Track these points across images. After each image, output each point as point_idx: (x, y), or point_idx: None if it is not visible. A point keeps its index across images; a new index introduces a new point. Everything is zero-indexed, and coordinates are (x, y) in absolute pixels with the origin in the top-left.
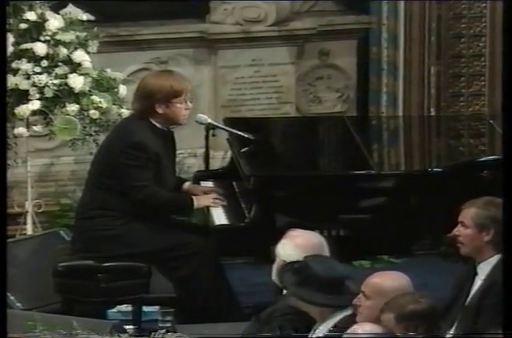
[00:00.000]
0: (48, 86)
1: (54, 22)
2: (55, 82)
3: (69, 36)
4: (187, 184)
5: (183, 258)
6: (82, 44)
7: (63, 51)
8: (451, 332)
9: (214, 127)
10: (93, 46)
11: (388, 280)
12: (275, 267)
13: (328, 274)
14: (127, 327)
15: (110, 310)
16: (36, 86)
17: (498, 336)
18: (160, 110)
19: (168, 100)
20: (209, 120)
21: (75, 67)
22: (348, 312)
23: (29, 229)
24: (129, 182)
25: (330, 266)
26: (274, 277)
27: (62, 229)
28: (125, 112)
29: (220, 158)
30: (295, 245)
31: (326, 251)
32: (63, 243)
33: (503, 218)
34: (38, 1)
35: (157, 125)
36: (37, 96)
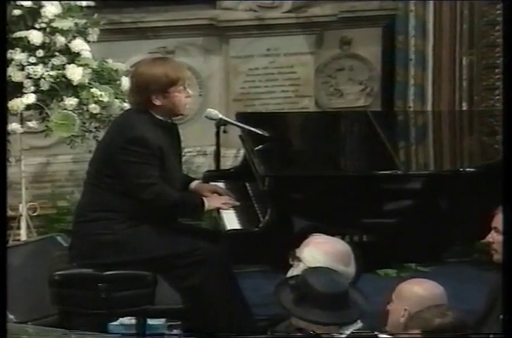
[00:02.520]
0: (44, 78)
1: (51, 8)
2: (52, 73)
3: (67, 24)
4: (195, 183)
5: (192, 265)
6: (81, 32)
7: (60, 39)
8: None
9: (226, 123)
10: (94, 34)
11: (411, 285)
12: (294, 273)
13: (328, 289)
14: None
15: (111, 323)
16: (30, 78)
17: (498, 336)
18: (157, 102)
19: (164, 90)
20: (220, 115)
21: (73, 57)
22: (357, 326)
23: (23, 234)
24: (133, 179)
25: (330, 280)
26: None
27: (59, 235)
28: (128, 106)
29: (232, 157)
30: (324, 252)
31: (352, 260)
32: (60, 250)
33: (503, 219)
34: None
35: (159, 117)
36: (32, 88)
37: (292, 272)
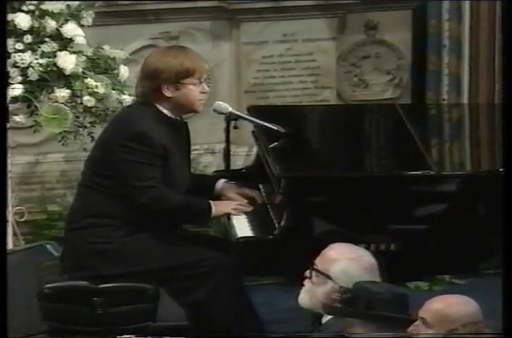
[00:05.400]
0: (33, 66)
1: None
2: (41, 61)
3: (58, 6)
4: (221, 183)
5: (198, 277)
6: (74, 16)
7: (51, 23)
8: None
9: (237, 118)
10: (88, 17)
11: (454, 306)
12: (318, 292)
13: (395, 290)
14: None
15: None
16: (17, 66)
17: (499, 336)
18: (167, 93)
19: (177, 80)
20: (230, 109)
21: (66, 43)
22: None
23: (9, 242)
24: (131, 181)
25: (388, 286)
26: (310, 303)
27: (49, 243)
28: (127, 98)
29: (243, 156)
30: (362, 269)
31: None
32: (51, 260)
33: (503, 220)
34: None
35: (165, 113)
36: (19, 78)
37: (312, 288)
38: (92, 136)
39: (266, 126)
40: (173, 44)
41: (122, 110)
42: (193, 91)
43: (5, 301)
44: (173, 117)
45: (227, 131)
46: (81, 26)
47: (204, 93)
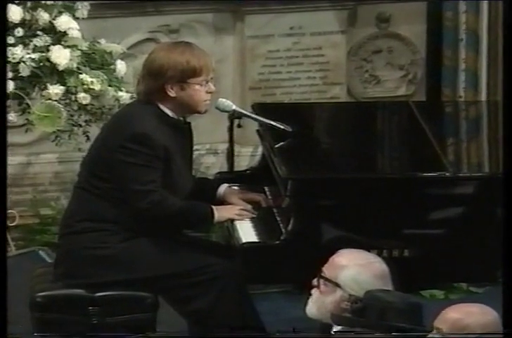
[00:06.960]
0: (24, 61)
1: None
2: (34, 56)
3: None
4: (224, 187)
5: (200, 285)
6: (69, 7)
7: (44, 16)
8: None
9: (241, 116)
10: (83, 9)
11: (472, 316)
12: (327, 301)
13: (406, 301)
14: None
15: None
16: (8, 61)
17: (498, 336)
18: (171, 93)
19: (183, 79)
20: (234, 107)
21: (59, 37)
22: None
23: None
24: (130, 185)
25: (401, 295)
26: (319, 313)
27: (42, 249)
28: (124, 95)
29: (248, 156)
30: (372, 276)
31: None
32: (44, 267)
33: (502, 221)
34: None
35: (168, 113)
36: (10, 74)
37: (321, 297)
38: (87, 136)
39: (272, 124)
40: (173, 38)
41: (122, 109)
42: (199, 91)
43: (5, 303)
44: (176, 117)
45: (231, 130)
46: (76, 18)
47: (210, 93)
